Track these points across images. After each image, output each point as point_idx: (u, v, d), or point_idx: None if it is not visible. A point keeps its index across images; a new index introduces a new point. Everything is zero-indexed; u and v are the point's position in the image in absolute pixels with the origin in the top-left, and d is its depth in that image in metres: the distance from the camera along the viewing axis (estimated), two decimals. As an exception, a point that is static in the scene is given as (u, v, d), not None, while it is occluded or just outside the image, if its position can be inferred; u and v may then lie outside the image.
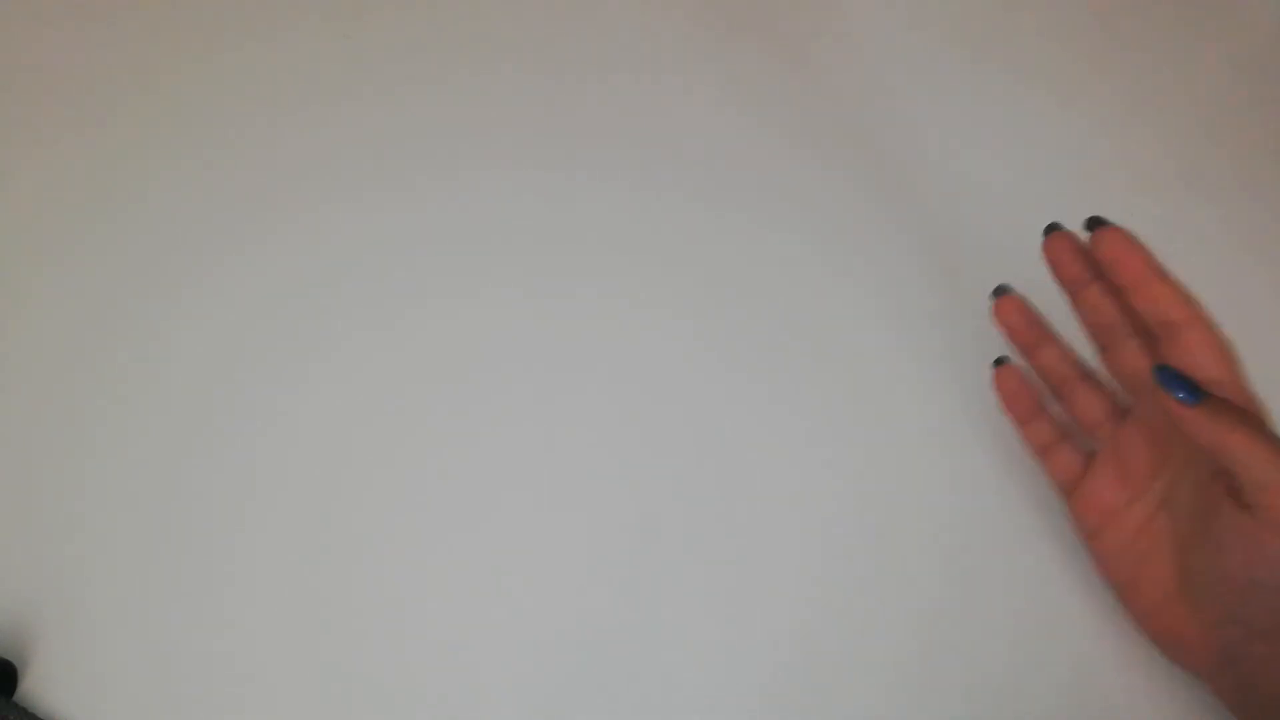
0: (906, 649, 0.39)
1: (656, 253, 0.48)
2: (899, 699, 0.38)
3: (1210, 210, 0.49)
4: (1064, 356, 0.39)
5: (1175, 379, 0.32)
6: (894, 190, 0.50)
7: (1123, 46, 0.54)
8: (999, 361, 0.40)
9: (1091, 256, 0.36)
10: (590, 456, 0.43)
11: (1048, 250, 0.37)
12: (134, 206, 0.49)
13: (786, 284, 0.47)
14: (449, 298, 0.47)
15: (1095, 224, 0.36)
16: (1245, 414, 0.31)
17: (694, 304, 0.47)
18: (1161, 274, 0.34)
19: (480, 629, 0.39)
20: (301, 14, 0.55)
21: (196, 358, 0.45)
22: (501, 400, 0.44)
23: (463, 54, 0.54)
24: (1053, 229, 0.37)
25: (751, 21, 0.55)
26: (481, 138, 0.51)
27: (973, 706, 0.38)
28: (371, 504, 0.42)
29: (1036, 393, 0.39)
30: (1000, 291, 0.39)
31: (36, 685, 0.38)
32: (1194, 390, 0.32)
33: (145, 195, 0.49)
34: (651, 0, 0.56)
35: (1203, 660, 0.33)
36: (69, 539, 0.40)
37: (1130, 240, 0.35)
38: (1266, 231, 0.49)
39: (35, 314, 0.46)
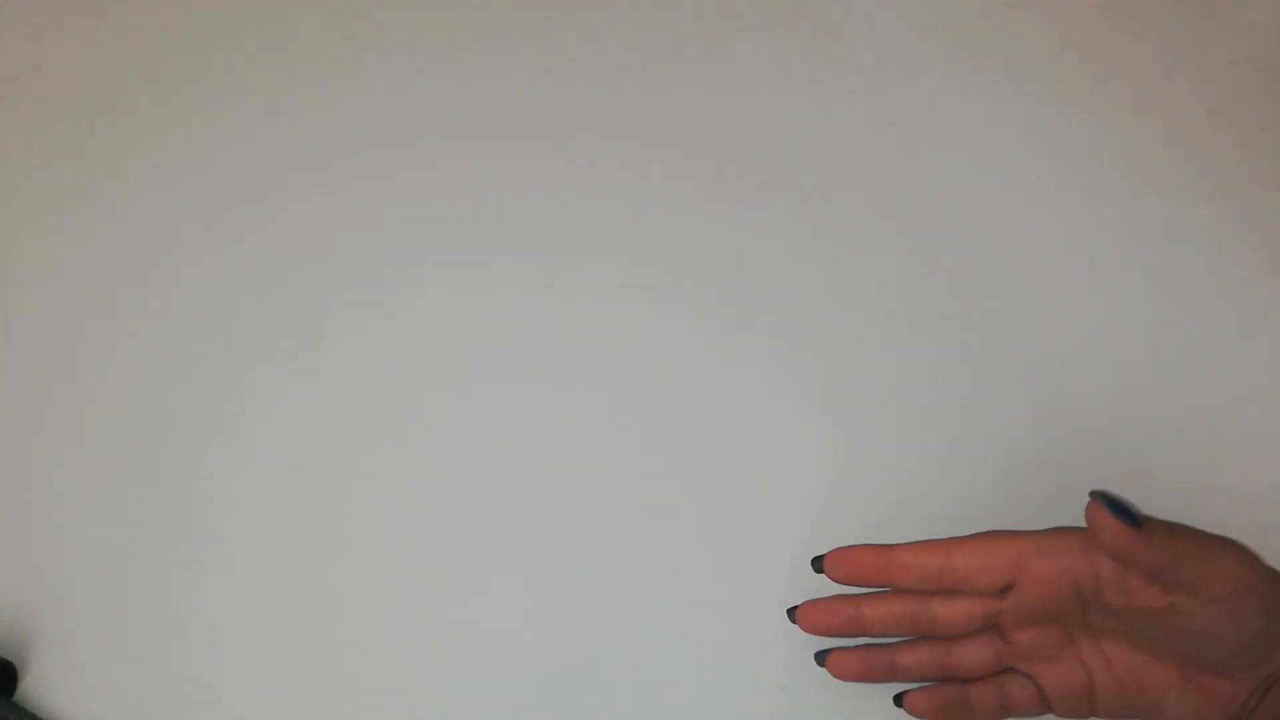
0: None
1: (658, 244, 0.48)
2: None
3: (1212, 210, 0.49)
4: (917, 650, 0.37)
5: (1116, 504, 0.32)
6: (894, 188, 0.50)
7: (1125, 46, 0.54)
8: (900, 701, 0.37)
9: (843, 598, 0.37)
10: (590, 451, 0.43)
11: (807, 627, 0.37)
12: (134, 203, 0.49)
13: (787, 282, 0.47)
14: (450, 295, 0.47)
15: (817, 563, 0.37)
16: (1165, 524, 0.32)
17: (694, 303, 0.47)
18: (892, 549, 0.36)
19: (480, 629, 0.39)
20: (301, 7, 0.55)
21: (196, 357, 0.45)
22: (501, 396, 0.44)
23: (465, 43, 0.54)
24: (793, 612, 0.37)
25: (753, 19, 0.55)
26: (484, 128, 0.51)
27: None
28: (371, 502, 0.42)
29: (953, 686, 0.37)
30: (822, 655, 0.38)
31: (36, 685, 0.38)
32: (1133, 515, 0.32)
33: (145, 190, 0.49)
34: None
35: (1243, 696, 0.34)
36: (69, 540, 0.40)
37: (850, 549, 0.36)
38: (1269, 232, 0.49)
39: (34, 314, 0.46)
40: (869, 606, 0.36)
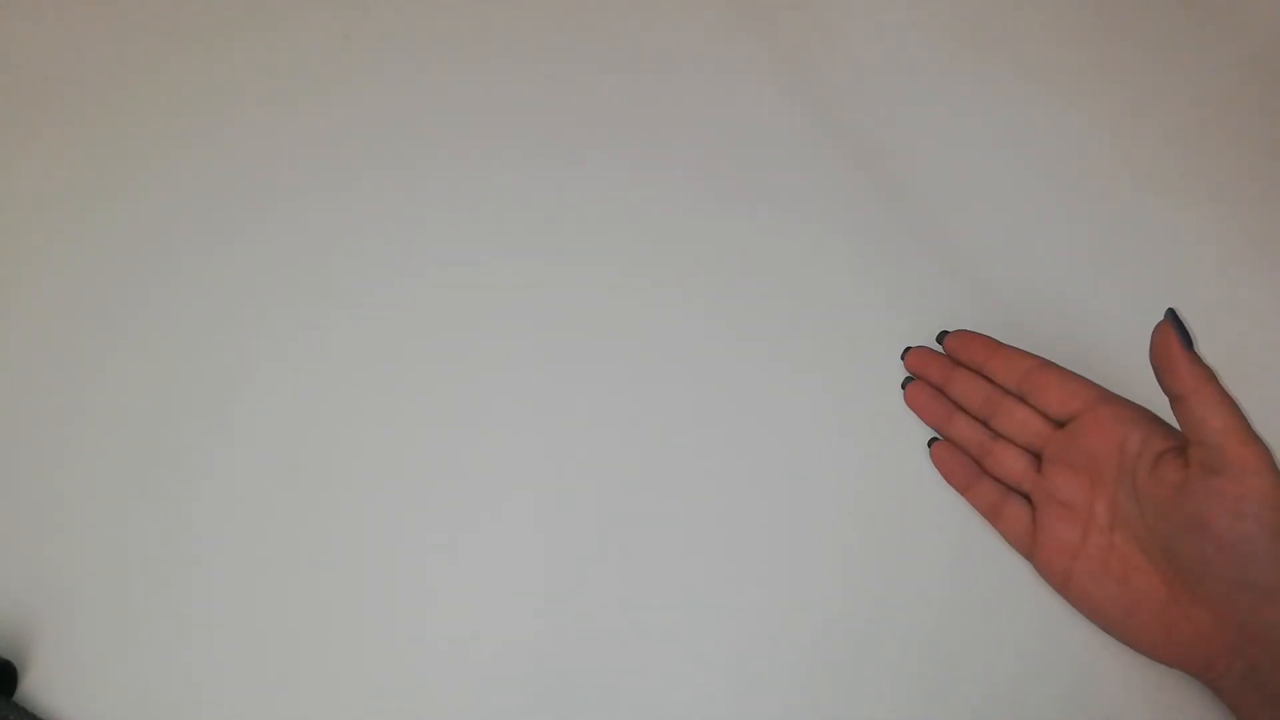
0: (908, 651, 0.39)
1: (659, 244, 0.48)
2: (901, 702, 0.38)
3: (1213, 210, 0.49)
4: (973, 425, 0.42)
5: (1179, 322, 0.34)
6: (895, 187, 0.50)
7: (1125, 46, 0.54)
8: (932, 441, 0.43)
9: (946, 356, 0.43)
10: (591, 451, 0.43)
11: (910, 366, 0.44)
12: (133, 202, 0.49)
13: (786, 282, 0.47)
14: (450, 294, 0.47)
15: (942, 336, 0.44)
16: (1212, 373, 0.34)
17: (693, 303, 0.47)
18: (1001, 345, 0.41)
19: (479, 629, 0.39)
20: (301, 6, 0.55)
21: (197, 357, 0.45)
22: (502, 396, 0.44)
23: (465, 42, 0.54)
24: (909, 350, 0.45)
25: (754, 17, 0.55)
26: (484, 126, 0.51)
27: (974, 710, 0.38)
28: (371, 502, 0.42)
29: (972, 462, 0.42)
30: (908, 380, 0.44)
31: (36, 685, 0.38)
32: (1189, 339, 0.34)
33: (144, 188, 0.49)
34: None
35: (1218, 646, 0.34)
36: (69, 540, 0.40)
37: (968, 333, 0.43)
38: (1269, 232, 0.49)
39: (34, 314, 0.46)
40: (961, 374, 0.42)
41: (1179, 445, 0.35)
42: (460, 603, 0.40)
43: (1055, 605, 0.40)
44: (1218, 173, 0.51)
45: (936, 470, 0.42)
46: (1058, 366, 0.39)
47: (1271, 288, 0.48)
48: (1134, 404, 0.37)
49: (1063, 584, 0.38)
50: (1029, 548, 0.39)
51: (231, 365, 0.45)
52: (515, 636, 0.39)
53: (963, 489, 0.42)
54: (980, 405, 0.41)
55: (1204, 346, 0.46)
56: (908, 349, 0.44)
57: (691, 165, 0.50)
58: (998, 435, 0.41)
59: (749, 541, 0.42)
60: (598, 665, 0.39)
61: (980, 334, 0.42)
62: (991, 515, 0.41)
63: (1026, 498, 0.40)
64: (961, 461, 0.42)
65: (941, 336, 0.44)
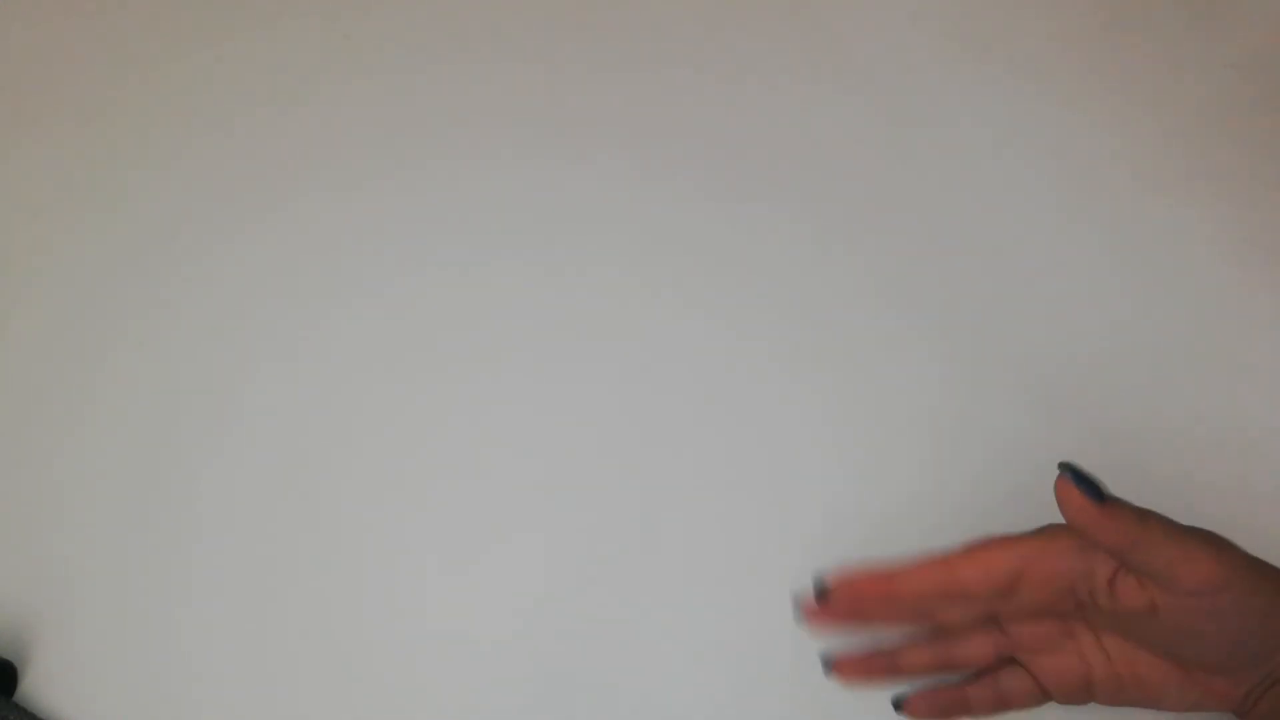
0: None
1: (659, 244, 0.48)
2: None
3: (1212, 210, 0.49)
4: (917, 648, 0.38)
5: (1079, 476, 0.32)
6: (895, 188, 0.50)
7: (1125, 46, 0.54)
8: (898, 706, 0.38)
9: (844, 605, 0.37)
10: (591, 451, 0.43)
11: (847, 678, 0.38)
12: (133, 201, 0.48)
13: (787, 282, 0.47)
14: (449, 294, 0.47)
15: (820, 591, 0.36)
16: (1136, 508, 0.32)
17: (693, 303, 0.47)
18: (894, 569, 0.36)
19: (479, 629, 0.39)
20: (301, 6, 0.55)
21: (197, 356, 0.45)
22: (501, 395, 0.44)
23: (466, 42, 0.54)
24: (830, 664, 0.38)
25: (753, 18, 0.55)
26: (484, 127, 0.51)
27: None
28: (370, 502, 0.42)
29: (946, 688, 0.38)
30: (828, 663, 0.38)
31: (36, 685, 0.38)
32: (1097, 490, 0.32)
33: (145, 188, 0.49)
34: None
35: (1242, 693, 0.34)
36: (68, 540, 0.40)
37: (846, 577, 0.36)
38: (1269, 232, 0.49)
39: (33, 314, 0.45)
40: (904, 653, 0.37)
41: (1119, 564, 0.33)
42: (459, 603, 0.40)
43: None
44: (1218, 173, 0.51)
45: None
46: (961, 556, 0.35)
47: (1272, 288, 0.48)
48: (1057, 543, 0.35)
49: (1087, 702, 0.37)
50: (1045, 698, 0.37)
51: (232, 365, 0.45)
52: (515, 636, 0.39)
53: (964, 714, 0.38)
54: (911, 621, 0.37)
55: (1204, 346, 0.46)
56: (829, 662, 0.38)
57: (691, 166, 0.50)
58: (946, 637, 0.38)
59: (748, 542, 0.42)
60: (597, 665, 0.39)
61: (862, 573, 0.36)
62: (1001, 707, 0.38)
63: (1011, 659, 0.38)
64: (940, 699, 0.38)
65: (819, 591, 0.36)
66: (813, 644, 0.39)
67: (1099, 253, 0.48)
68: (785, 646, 0.39)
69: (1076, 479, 0.32)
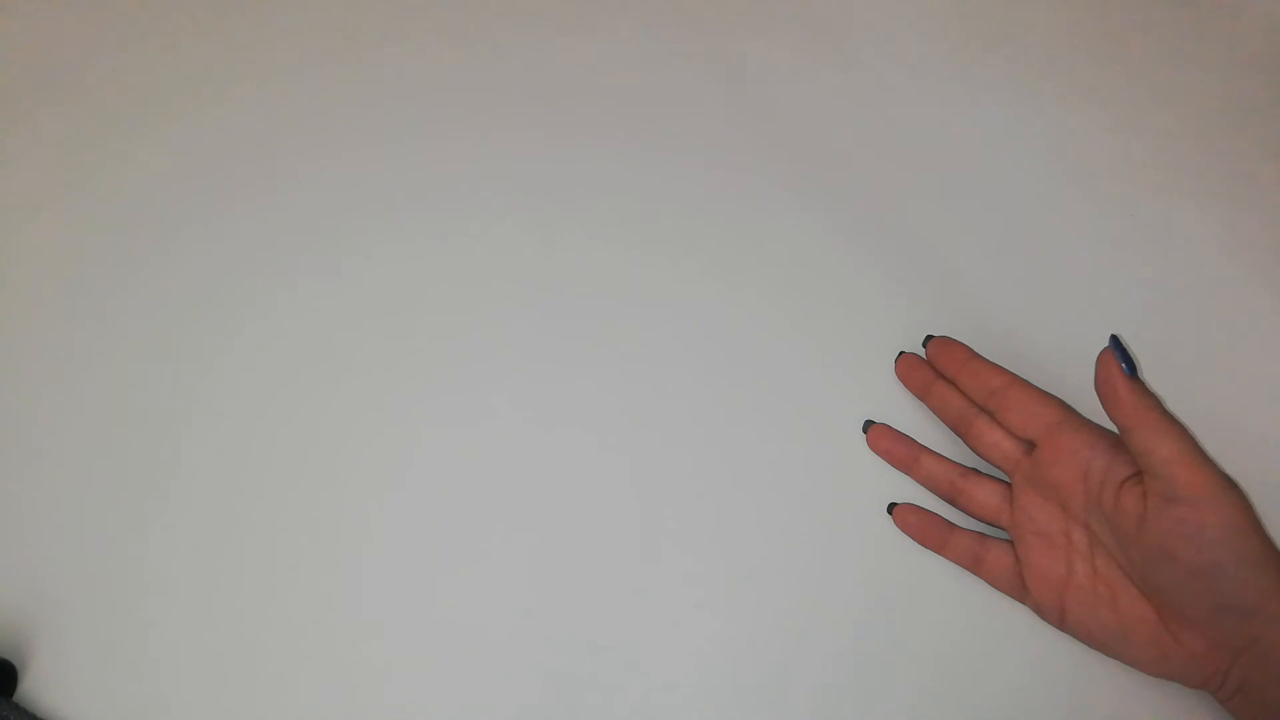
0: (910, 654, 0.39)
1: (660, 244, 0.48)
2: (901, 708, 0.38)
3: (1212, 210, 0.49)
4: (940, 462, 0.41)
5: (1122, 349, 0.34)
6: (895, 188, 0.50)
7: (1125, 46, 0.54)
8: (892, 507, 0.41)
9: (929, 366, 0.43)
10: (591, 450, 0.43)
11: (898, 372, 0.44)
12: (120, 187, 0.48)
13: (787, 282, 0.47)
14: (447, 286, 0.47)
15: (927, 340, 0.43)
16: (1163, 406, 0.34)
17: (692, 302, 0.47)
18: (975, 356, 0.41)
19: (479, 630, 0.39)
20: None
21: (197, 355, 0.45)
22: (499, 391, 0.44)
23: (465, 17, 0.54)
24: (901, 355, 0.44)
25: (753, 18, 0.55)
26: (482, 121, 0.51)
27: (977, 713, 0.38)
28: (368, 502, 0.42)
29: (939, 519, 0.40)
30: (868, 425, 0.43)
31: (36, 685, 0.38)
32: (1132, 366, 0.34)
33: (130, 174, 0.49)
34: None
35: (1213, 663, 0.34)
36: (68, 540, 0.40)
37: (949, 340, 0.42)
38: (1269, 232, 0.49)
39: (32, 313, 0.45)
40: (939, 386, 0.42)
41: (1138, 472, 0.34)
42: (459, 602, 0.40)
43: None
44: (1218, 173, 0.51)
45: (905, 532, 0.41)
46: (1025, 386, 0.39)
47: (1272, 288, 0.48)
48: (1096, 429, 0.37)
49: (1059, 619, 0.37)
50: (1019, 590, 0.38)
51: (231, 365, 0.45)
52: (514, 638, 0.39)
53: (938, 548, 0.40)
54: (955, 421, 0.41)
55: (1204, 346, 0.46)
56: (900, 354, 0.44)
57: (691, 166, 0.50)
58: (967, 470, 0.41)
59: (749, 543, 0.42)
60: (597, 666, 0.39)
61: (959, 344, 0.42)
62: (974, 567, 0.39)
63: (1005, 533, 0.39)
64: (929, 520, 0.40)
65: (927, 340, 0.43)
66: (814, 646, 0.39)
67: (1099, 252, 0.48)
68: (786, 648, 0.39)
69: (1118, 350, 0.34)
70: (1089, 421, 0.37)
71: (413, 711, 0.38)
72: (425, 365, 0.45)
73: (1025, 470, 0.38)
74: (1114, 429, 0.35)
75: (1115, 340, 0.34)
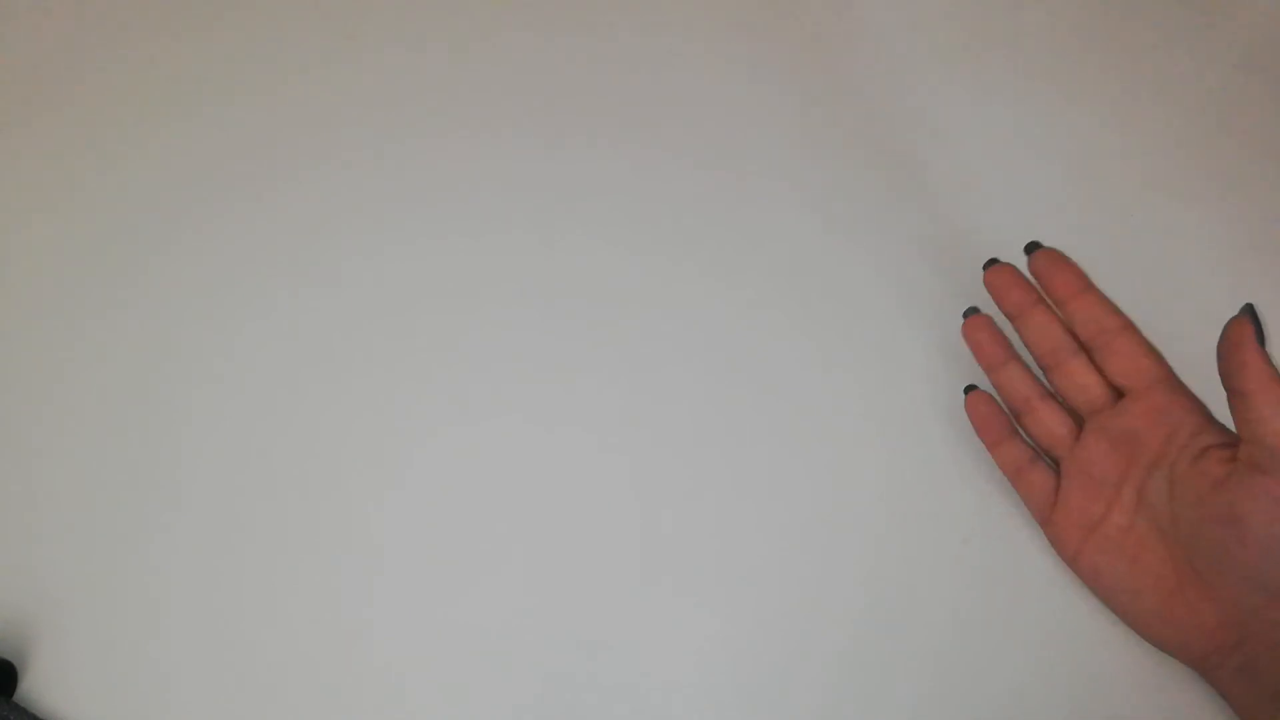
0: (915, 653, 0.39)
1: (660, 244, 0.48)
2: (908, 702, 0.38)
3: (1212, 210, 0.49)
4: (1024, 376, 0.40)
5: (1256, 319, 0.34)
6: (895, 186, 0.50)
7: (1125, 46, 0.54)
8: (969, 389, 0.41)
9: (1031, 284, 0.40)
10: (591, 451, 0.43)
11: (989, 281, 0.40)
12: (121, 190, 0.48)
13: (787, 281, 0.47)
14: (446, 286, 0.47)
15: (1032, 248, 0.39)
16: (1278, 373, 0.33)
17: (692, 302, 0.47)
18: (1092, 286, 0.38)
19: (478, 631, 0.39)
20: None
21: (197, 354, 0.45)
22: (499, 390, 0.44)
23: (464, 20, 0.54)
24: (992, 262, 0.40)
25: (753, 18, 0.55)
26: (480, 122, 0.51)
27: (978, 713, 0.38)
28: (365, 501, 0.42)
29: (1007, 418, 0.41)
30: (970, 311, 0.41)
31: (36, 685, 0.38)
32: (1263, 335, 0.34)
33: (131, 175, 0.49)
34: (652, -1, 0.55)
35: (1218, 640, 0.34)
36: (68, 540, 0.40)
37: (1062, 257, 0.38)
38: (1269, 232, 0.49)
39: (31, 313, 0.45)
40: (1039, 311, 0.39)
41: (1229, 443, 0.34)
42: (458, 603, 0.40)
43: (1067, 605, 0.40)
44: (1218, 172, 0.51)
45: (970, 418, 0.41)
46: (1137, 333, 0.37)
47: (1272, 287, 0.48)
48: (1193, 396, 0.37)
49: (1073, 556, 0.38)
50: (1045, 515, 0.39)
51: (229, 365, 0.45)
52: (515, 636, 0.39)
53: (992, 444, 0.40)
54: (1046, 354, 0.39)
55: (1204, 346, 0.46)
56: (992, 261, 0.40)
57: (692, 162, 0.50)
58: (1047, 393, 0.40)
59: (749, 544, 0.42)
60: (597, 666, 0.39)
61: (1073, 264, 0.38)
62: (1014, 476, 0.40)
63: (1057, 464, 0.39)
64: (997, 416, 0.40)
65: (1031, 248, 0.39)
66: (814, 646, 0.39)
67: (1099, 252, 0.48)
68: (786, 648, 0.39)
69: (1253, 320, 0.34)
70: (1188, 390, 0.37)
71: (412, 711, 0.38)
72: (425, 366, 0.45)
73: (1104, 417, 0.38)
74: (1204, 405, 0.36)
75: (1251, 309, 0.34)
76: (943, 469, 0.43)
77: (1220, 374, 0.34)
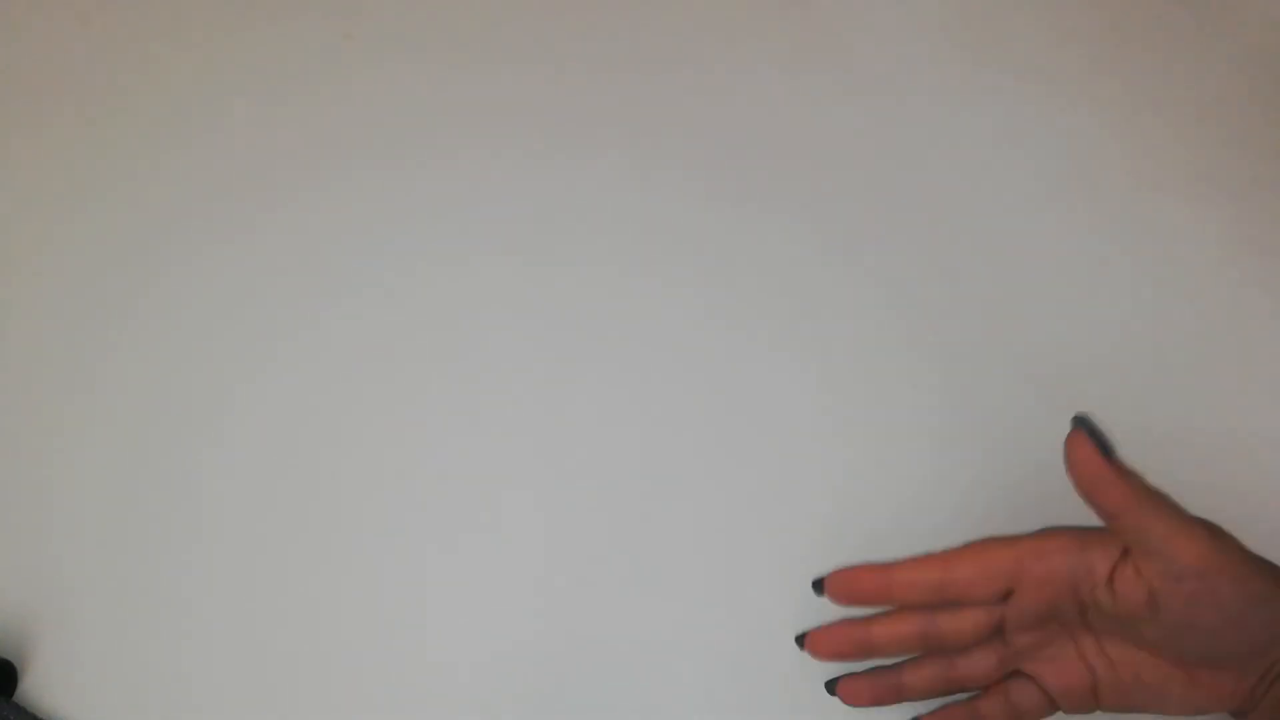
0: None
1: (659, 244, 0.48)
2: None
3: (1212, 210, 0.49)
4: (920, 668, 0.37)
5: (1093, 430, 0.32)
6: (895, 188, 0.50)
7: (1124, 46, 0.54)
8: None
9: (847, 621, 0.36)
10: (591, 452, 0.43)
11: (816, 652, 0.37)
12: (130, 199, 0.48)
13: (787, 281, 0.47)
14: (448, 293, 0.47)
15: (818, 589, 0.36)
16: (1142, 477, 0.32)
17: (692, 303, 0.47)
18: (888, 567, 0.35)
19: (478, 632, 0.39)
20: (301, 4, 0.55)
21: (197, 355, 0.45)
22: (500, 395, 0.44)
23: (464, 40, 0.54)
24: (802, 638, 0.37)
25: (753, 18, 0.55)
26: (481, 126, 0.51)
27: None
28: (369, 503, 0.42)
29: (960, 708, 0.38)
30: (832, 685, 0.38)
31: (36, 685, 0.38)
32: (1108, 446, 0.32)
33: (143, 186, 0.49)
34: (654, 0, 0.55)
35: (1245, 690, 0.34)
36: (68, 541, 0.40)
37: (845, 573, 0.36)
38: (1269, 232, 0.49)
39: (31, 313, 0.46)
40: (878, 626, 0.36)
41: (1120, 554, 0.33)
42: (458, 604, 0.40)
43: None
44: (1218, 173, 0.51)
45: None
46: (961, 556, 0.35)
47: (1272, 288, 0.48)
48: (1054, 541, 0.34)
49: (1092, 709, 0.37)
50: (1053, 709, 0.37)
51: (229, 365, 0.45)
52: (514, 639, 0.39)
53: None
54: (920, 641, 0.36)
55: (1204, 346, 0.46)
56: (801, 636, 0.37)
57: (690, 166, 0.50)
58: (949, 661, 0.37)
59: (752, 546, 0.42)
60: (596, 667, 0.39)
61: (862, 568, 0.36)
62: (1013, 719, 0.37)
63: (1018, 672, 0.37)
64: (953, 716, 0.38)
65: (818, 587, 0.36)
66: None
67: (1099, 252, 0.48)
68: (786, 649, 0.39)
69: (1090, 433, 0.32)
70: (1038, 538, 0.35)
71: (412, 712, 0.38)
72: (430, 374, 0.45)
73: (1010, 617, 0.36)
74: (1067, 531, 0.34)
75: (1084, 421, 0.32)
76: (942, 470, 0.43)
77: (1082, 496, 0.33)
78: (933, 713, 0.38)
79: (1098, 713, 0.36)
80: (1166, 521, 0.32)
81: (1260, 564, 0.32)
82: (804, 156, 0.51)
